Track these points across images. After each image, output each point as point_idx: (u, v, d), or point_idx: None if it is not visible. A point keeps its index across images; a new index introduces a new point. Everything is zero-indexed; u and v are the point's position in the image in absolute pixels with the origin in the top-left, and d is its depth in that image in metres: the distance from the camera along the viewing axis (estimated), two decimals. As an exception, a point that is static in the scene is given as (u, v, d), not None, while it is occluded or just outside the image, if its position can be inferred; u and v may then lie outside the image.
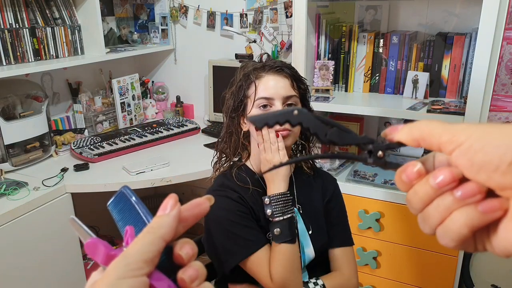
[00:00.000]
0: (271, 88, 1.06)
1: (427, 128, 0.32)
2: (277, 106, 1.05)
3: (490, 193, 0.30)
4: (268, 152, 1.03)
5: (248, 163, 1.17)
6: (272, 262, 1.01)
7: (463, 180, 0.30)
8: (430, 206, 0.31)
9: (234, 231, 1.05)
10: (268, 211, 1.02)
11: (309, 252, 1.13)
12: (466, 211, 0.29)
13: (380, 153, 0.36)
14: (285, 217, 1.01)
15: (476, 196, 0.29)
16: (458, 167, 0.30)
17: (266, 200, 1.03)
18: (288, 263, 1.00)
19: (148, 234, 0.31)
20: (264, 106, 1.06)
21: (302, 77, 1.14)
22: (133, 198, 0.37)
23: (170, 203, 0.33)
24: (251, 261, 1.03)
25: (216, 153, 1.20)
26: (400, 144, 0.35)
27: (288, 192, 1.04)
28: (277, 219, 1.01)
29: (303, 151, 1.20)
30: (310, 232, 1.14)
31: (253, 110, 1.08)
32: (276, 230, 1.01)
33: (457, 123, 0.31)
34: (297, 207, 1.15)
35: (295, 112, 0.37)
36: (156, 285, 0.30)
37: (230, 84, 1.16)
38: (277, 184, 1.03)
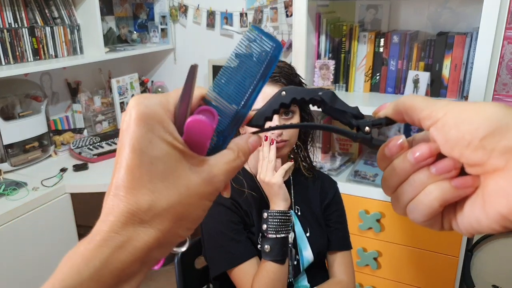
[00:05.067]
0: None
1: (410, 103, 0.33)
2: (274, 117, 1.04)
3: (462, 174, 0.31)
4: (263, 171, 1.03)
5: (245, 165, 1.17)
6: (256, 277, 1.01)
7: (439, 157, 0.31)
8: (405, 183, 0.32)
9: (221, 243, 1.06)
10: (264, 226, 1.01)
11: (308, 255, 1.12)
12: (441, 184, 0.31)
13: (367, 128, 0.36)
14: (278, 236, 1.00)
15: (451, 172, 0.30)
16: (435, 142, 0.31)
17: (264, 215, 1.02)
18: (271, 283, 0.99)
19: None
20: None
21: (301, 81, 1.12)
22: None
23: None
24: (234, 272, 1.04)
25: None
26: (387, 120, 0.36)
27: (289, 212, 1.03)
28: (270, 236, 1.00)
29: (300, 153, 1.19)
30: (307, 234, 1.13)
31: None
32: (266, 247, 1.00)
33: (438, 100, 0.32)
34: (294, 209, 1.15)
35: (283, 93, 0.37)
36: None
37: None
38: (277, 203, 1.03)
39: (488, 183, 0.29)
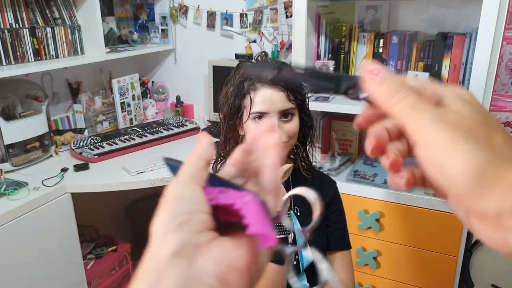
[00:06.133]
0: (267, 102, 1.04)
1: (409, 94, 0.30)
2: (273, 120, 1.04)
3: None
4: None
5: None
6: None
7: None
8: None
9: None
10: None
11: (307, 255, 1.12)
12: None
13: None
14: (276, 236, 1.00)
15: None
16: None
17: None
18: (271, 284, 0.99)
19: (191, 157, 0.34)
20: (260, 117, 1.06)
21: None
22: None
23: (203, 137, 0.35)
24: None
25: (215, 156, 1.20)
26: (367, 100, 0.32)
27: (288, 213, 1.04)
28: None
29: (299, 153, 1.20)
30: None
31: (249, 121, 1.07)
32: None
33: (424, 112, 0.28)
34: (294, 210, 1.15)
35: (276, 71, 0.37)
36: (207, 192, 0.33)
37: (225, 83, 1.15)
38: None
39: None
